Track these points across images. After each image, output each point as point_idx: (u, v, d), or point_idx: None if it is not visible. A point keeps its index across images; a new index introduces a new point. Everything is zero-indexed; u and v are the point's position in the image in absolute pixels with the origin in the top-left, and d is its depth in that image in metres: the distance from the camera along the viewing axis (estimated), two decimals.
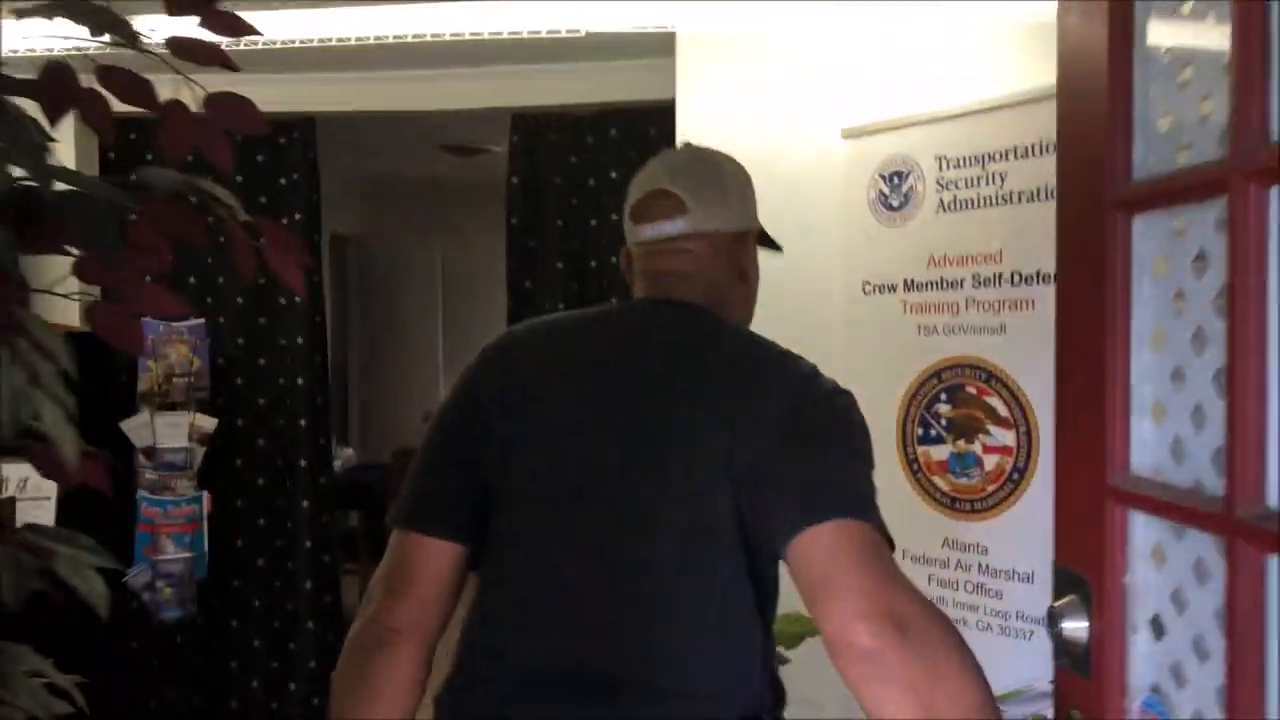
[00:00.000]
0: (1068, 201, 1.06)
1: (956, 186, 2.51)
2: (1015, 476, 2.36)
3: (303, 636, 3.91)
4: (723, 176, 1.39)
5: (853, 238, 2.72)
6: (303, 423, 3.91)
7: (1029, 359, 2.33)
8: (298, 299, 3.89)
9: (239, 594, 3.91)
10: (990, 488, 2.41)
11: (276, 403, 3.90)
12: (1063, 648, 1.02)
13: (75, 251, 0.85)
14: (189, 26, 0.92)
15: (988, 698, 1.02)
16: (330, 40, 3.22)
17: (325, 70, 3.61)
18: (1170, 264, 0.94)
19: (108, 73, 0.84)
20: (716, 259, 1.35)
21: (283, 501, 3.91)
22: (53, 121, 0.84)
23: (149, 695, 3.76)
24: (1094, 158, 1.00)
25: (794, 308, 2.90)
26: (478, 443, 1.26)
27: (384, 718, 1.23)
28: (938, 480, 2.51)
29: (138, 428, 3.50)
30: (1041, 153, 2.33)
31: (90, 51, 0.86)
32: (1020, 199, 2.37)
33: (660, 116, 3.28)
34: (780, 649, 2.24)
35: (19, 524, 3.38)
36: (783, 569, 1.16)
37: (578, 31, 3.03)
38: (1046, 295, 2.29)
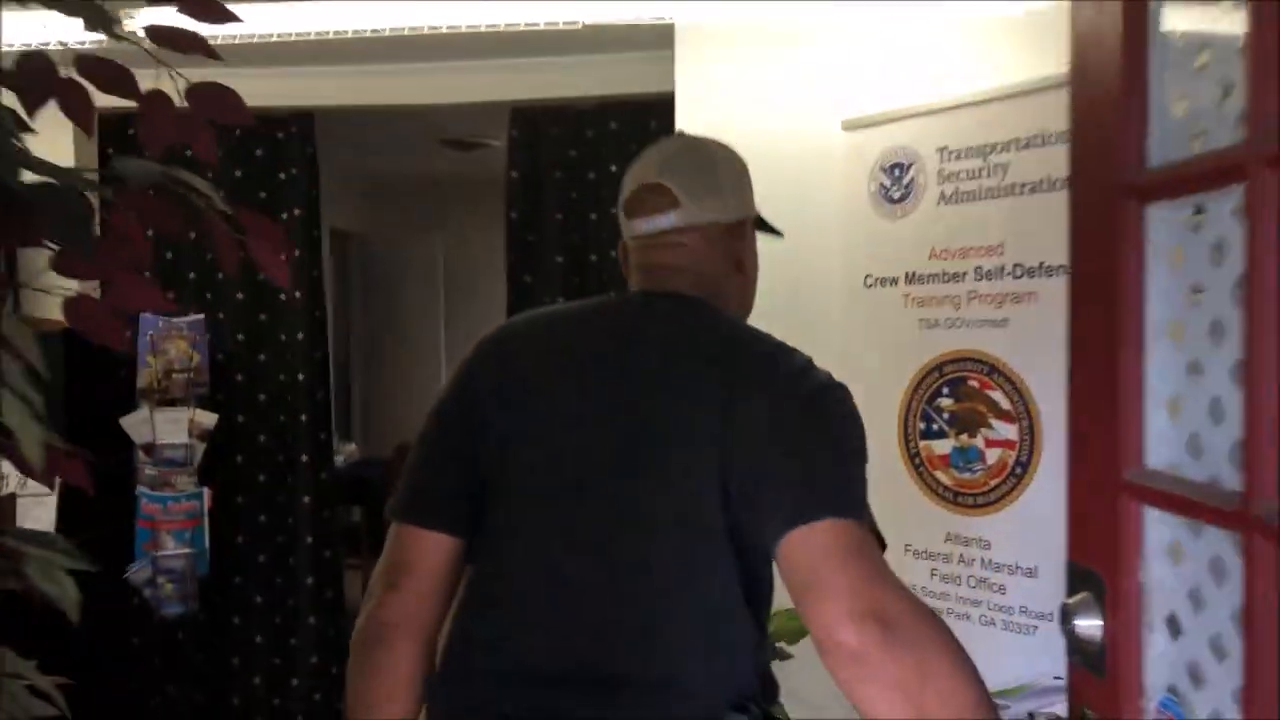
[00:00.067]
0: (1080, 190, 1.03)
1: (958, 178, 2.49)
2: (1018, 471, 2.34)
3: (304, 632, 3.89)
4: (716, 167, 1.37)
5: (853, 231, 2.69)
6: (303, 418, 3.90)
7: (1032, 352, 2.31)
8: (298, 294, 3.87)
9: (240, 590, 3.90)
10: (993, 482, 2.39)
11: (277, 398, 3.89)
12: (1076, 646, 1.00)
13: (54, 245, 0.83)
14: (171, 16, 0.89)
15: (982, 697, 1.00)
16: (328, 34, 3.20)
17: (323, 64, 3.59)
18: (1187, 253, 0.92)
19: (87, 63, 0.82)
20: (711, 251, 1.34)
21: (284, 497, 3.90)
22: (30, 112, 0.82)
23: (151, 692, 3.75)
24: (1107, 145, 0.97)
25: (795, 301, 2.88)
26: (475, 436, 1.26)
27: (387, 714, 1.24)
28: (940, 475, 2.49)
29: (137, 424, 3.48)
30: (1044, 143, 2.31)
31: (73, 45, 0.84)
32: (1023, 190, 2.35)
33: (660, 109, 3.25)
34: (782, 644, 2.22)
35: (19, 521, 3.35)
36: None
37: (575, 24, 3.01)
38: (1049, 288, 2.27)
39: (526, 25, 3.05)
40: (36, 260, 0.91)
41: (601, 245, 3.61)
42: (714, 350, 1.23)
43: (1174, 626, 0.93)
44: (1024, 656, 2.23)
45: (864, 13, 2.88)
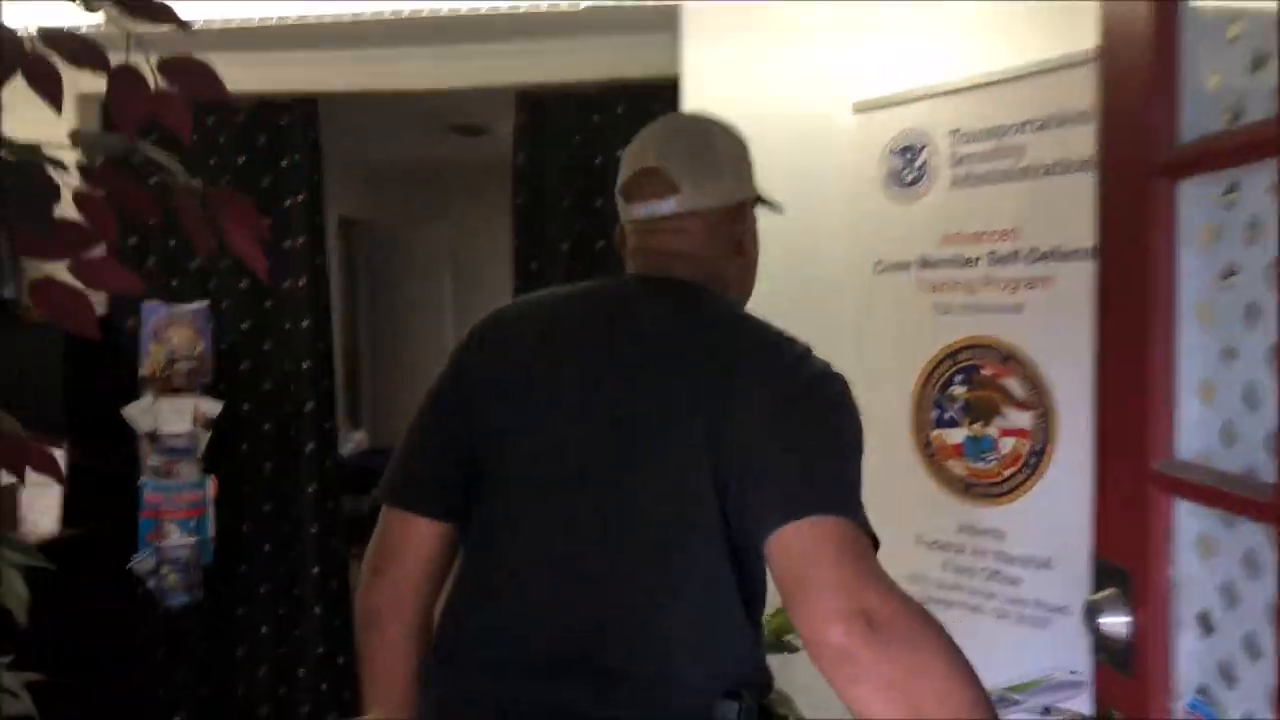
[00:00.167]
0: (1108, 167, 0.99)
1: (971, 161, 2.44)
2: (1033, 460, 2.30)
3: (310, 622, 3.88)
4: (716, 149, 1.34)
5: (864, 215, 2.65)
6: (308, 407, 3.87)
7: (1048, 339, 2.27)
8: (301, 282, 3.84)
9: (246, 579, 3.88)
10: (1007, 472, 2.35)
11: (282, 387, 3.86)
12: (1102, 643, 0.96)
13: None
14: None
15: (978, 697, 0.97)
16: (329, 18, 3.16)
17: (325, 49, 3.55)
18: (1219, 232, 0.88)
19: (54, 37, 0.78)
20: (711, 236, 1.31)
21: (289, 487, 3.88)
22: None
23: (156, 682, 3.73)
24: (1136, 120, 0.93)
25: (804, 288, 2.84)
26: (469, 424, 1.25)
27: (390, 693, 1.27)
28: (953, 464, 2.45)
29: (140, 413, 3.45)
30: (1061, 124, 2.26)
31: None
32: (1039, 173, 2.30)
33: (666, 93, 3.20)
34: (789, 637, 2.19)
35: (22, 511, 3.31)
36: None
37: (577, 5, 2.97)
38: (1066, 272, 2.22)
39: (529, 8, 3.01)
40: None
41: (608, 232, 3.57)
42: (710, 339, 1.21)
43: (1205, 624, 0.90)
44: (1039, 650, 2.19)
45: None
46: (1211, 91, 0.91)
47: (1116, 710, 0.95)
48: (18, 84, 0.82)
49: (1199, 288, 0.90)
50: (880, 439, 2.64)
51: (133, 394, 3.48)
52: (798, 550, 1.04)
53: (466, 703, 1.21)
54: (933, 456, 2.48)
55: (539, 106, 3.65)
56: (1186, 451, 0.90)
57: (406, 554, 1.26)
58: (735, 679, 1.15)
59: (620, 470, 1.17)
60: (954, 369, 2.45)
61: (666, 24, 3.04)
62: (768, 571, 1.15)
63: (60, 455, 3.39)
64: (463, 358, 1.30)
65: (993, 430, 2.38)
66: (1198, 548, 0.89)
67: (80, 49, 0.79)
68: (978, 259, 2.41)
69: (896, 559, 2.49)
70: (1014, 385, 2.33)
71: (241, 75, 3.65)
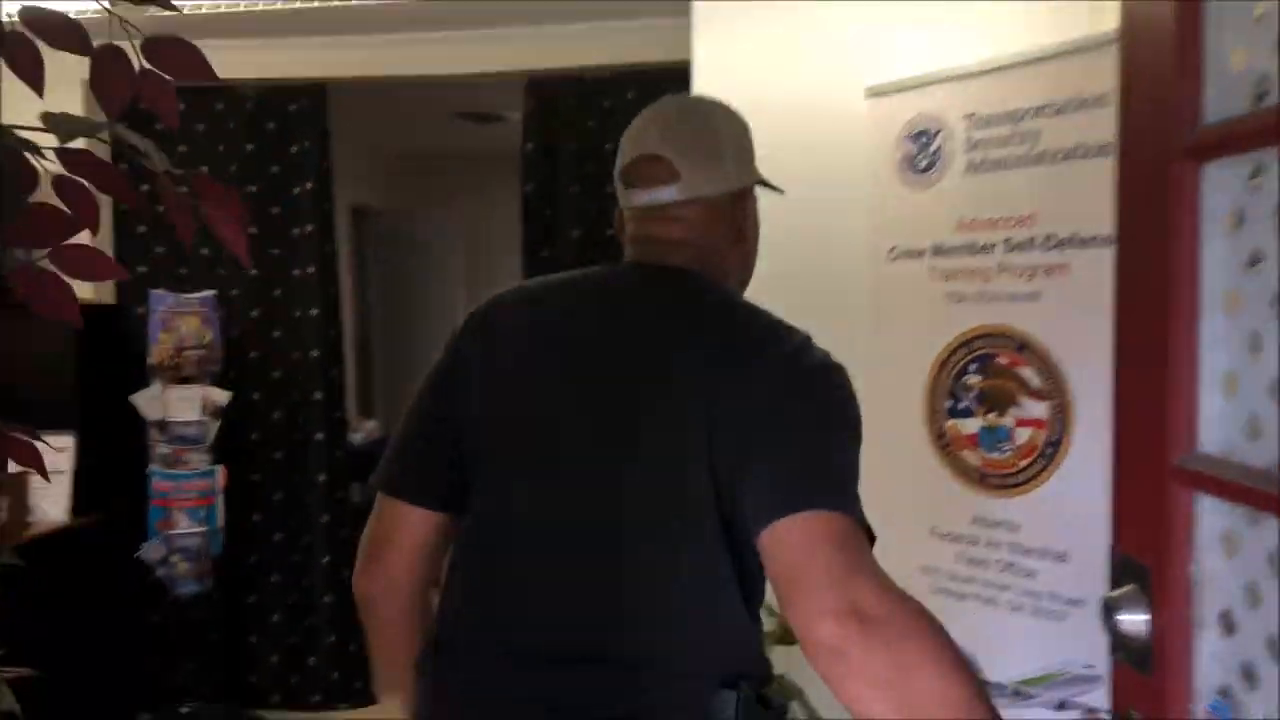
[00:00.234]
0: (1129, 151, 0.95)
1: (987, 146, 2.40)
2: (1049, 451, 2.26)
3: (320, 611, 3.88)
4: (717, 134, 1.32)
5: (878, 201, 2.61)
6: (317, 396, 3.87)
7: (1064, 327, 2.23)
8: (311, 270, 3.83)
9: (256, 569, 3.89)
10: (1022, 463, 2.32)
11: (291, 376, 3.86)
12: (1120, 642, 0.93)
13: None
14: None
15: (974, 696, 0.94)
16: (339, 3, 3.14)
17: (336, 34, 3.53)
18: (1244, 217, 0.84)
19: (33, 17, 0.75)
20: (712, 223, 1.29)
21: (298, 476, 3.88)
22: None
23: (167, 670, 3.74)
24: (1159, 102, 0.90)
25: (817, 275, 2.81)
26: (464, 414, 1.24)
27: (388, 678, 1.32)
28: (967, 455, 2.41)
29: (149, 401, 3.45)
30: (1079, 108, 2.21)
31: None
32: (1056, 158, 2.26)
33: (677, 77, 3.17)
34: None
35: (33, 500, 3.30)
36: None
37: None
38: (1083, 259, 2.18)
39: None
40: None
41: None
42: (708, 329, 1.20)
43: (1227, 623, 0.86)
44: (1054, 643, 2.16)
45: None
46: (1236, 72, 0.88)
47: (1135, 710, 0.92)
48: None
49: (1223, 275, 0.86)
50: (893, 428, 2.62)
51: (142, 382, 3.47)
52: (790, 545, 1.03)
53: (464, 693, 1.21)
54: (947, 447, 2.45)
55: (549, 93, 3.63)
56: (1209, 445, 0.87)
57: (400, 542, 1.27)
58: (734, 670, 1.14)
59: (616, 461, 1.16)
60: (969, 357, 2.42)
61: (678, 8, 3.00)
62: None
63: (69, 444, 3.40)
64: (458, 346, 1.29)
65: (1008, 420, 2.34)
66: (1220, 545, 0.86)
67: (61, 30, 0.77)
68: (993, 246, 2.37)
69: (909, 550, 2.47)
70: (1030, 375, 2.30)
71: (250, 61, 3.66)
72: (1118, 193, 0.96)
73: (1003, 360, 2.35)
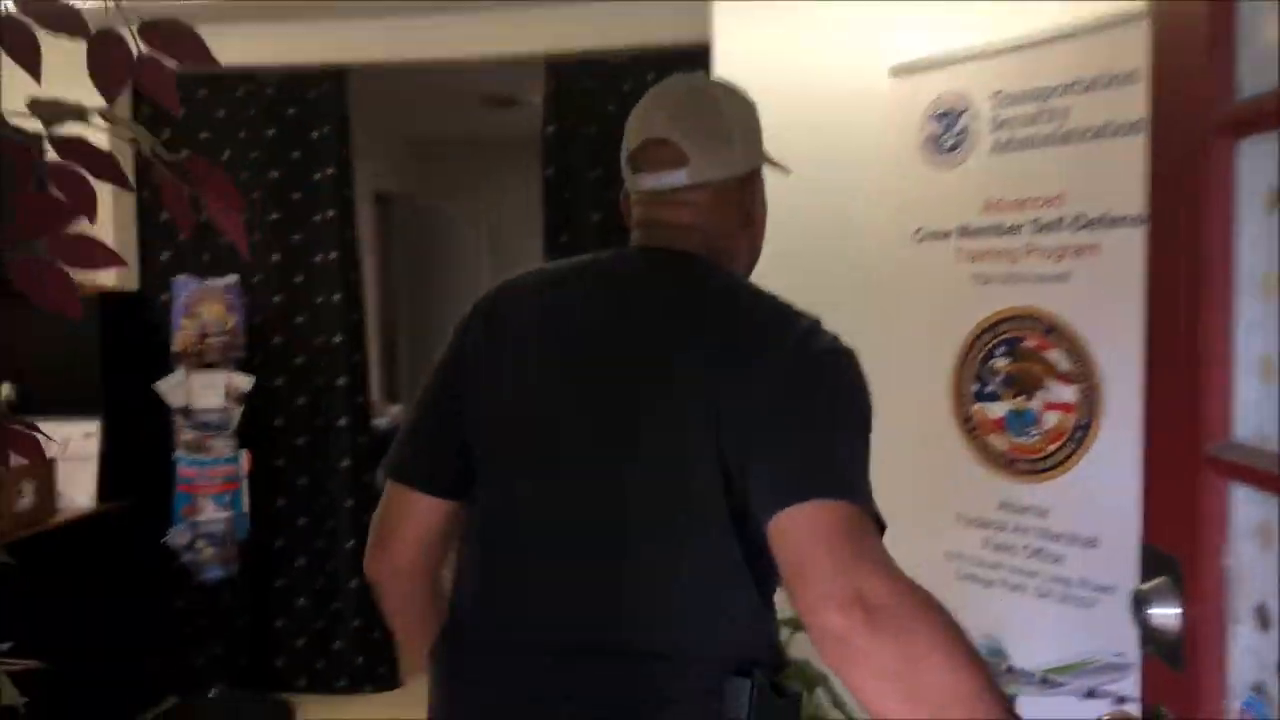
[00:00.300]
0: (1161, 128, 0.92)
1: (1013, 125, 2.36)
2: (1078, 435, 2.23)
3: (346, 596, 3.90)
4: (725, 116, 1.29)
5: (903, 182, 2.57)
6: (341, 381, 3.88)
7: (1093, 310, 2.18)
8: (333, 255, 3.83)
9: (281, 554, 3.91)
10: (1050, 447, 2.28)
11: (314, 361, 3.87)
12: (1150, 636, 0.90)
13: None
14: None
15: (982, 686, 0.92)
16: None
17: (354, 19, 3.52)
18: None
19: (31, 4, 0.73)
20: (721, 208, 1.27)
21: (322, 462, 3.89)
22: None
23: (194, 654, 3.77)
24: (1191, 75, 0.86)
25: (841, 257, 2.78)
26: (469, 403, 1.24)
27: (415, 652, 1.32)
28: (994, 439, 2.38)
29: (173, 387, 3.47)
30: (1108, 85, 2.16)
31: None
32: (1085, 136, 2.21)
33: (697, 59, 3.13)
34: None
35: (60, 486, 3.33)
36: None
37: None
38: (1113, 239, 2.14)
39: None
40: None
41: None
42: (715, 315, 1.18)
43: (1262, 617, 0.83)
44: (1082, 631, 2.13)
45: None
46: (1270, 44, 0.85)
47: (1166, 707, 0.89)
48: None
49: (1260, 255, 0.83)
50: (919, 413, 2.59)
51: (166, 369, 3.49)
52: (797, 534, 1.01)
53: (477, 682, 1.21)
54: (973, 431, 2.41)
55: (568, 75, 3.60)
56: (1244, 432, 0.83)
57: (407, 529, 1.28)
58: (747, 657, 1.13)
59: (616, 461, 1.15)
60: (995, 340, 2.38)
61: None
62: None
63: (95, 430, 3.43)
64: (464, 336, 1.28)
65: (1036, 404, 2.30)
66: (1255, 536, 0.83)
67: (58, 15, 0.75)
68: (1020, 227, 2.33)
69: (935, 536, 2.44)
70: (1058, 358, 2.25)
71: (270, 47, 3.66)
72: (1149, 171, 0.93)
73: (1030, 343, 2.31)
